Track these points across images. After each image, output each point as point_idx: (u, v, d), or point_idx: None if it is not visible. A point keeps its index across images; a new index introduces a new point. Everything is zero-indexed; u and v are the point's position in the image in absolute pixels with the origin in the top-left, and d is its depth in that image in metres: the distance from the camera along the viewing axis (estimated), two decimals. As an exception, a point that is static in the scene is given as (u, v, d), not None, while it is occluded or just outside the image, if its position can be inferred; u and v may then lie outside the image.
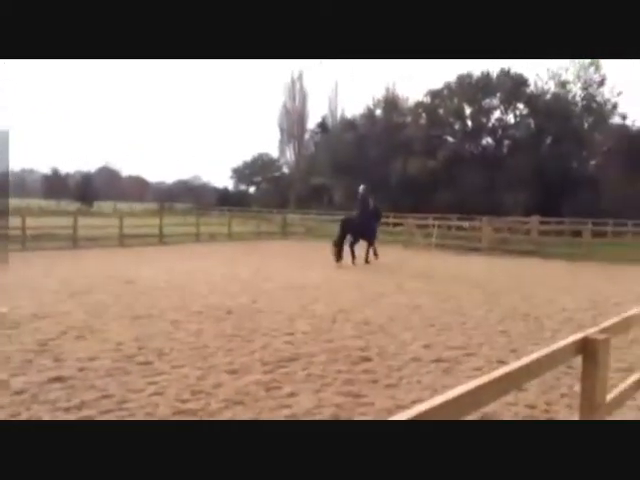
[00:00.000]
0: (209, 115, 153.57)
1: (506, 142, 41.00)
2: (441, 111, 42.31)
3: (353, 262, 14.47)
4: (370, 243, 15.08)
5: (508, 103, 40.09)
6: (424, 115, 42.73)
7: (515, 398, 4.64)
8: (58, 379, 4.85)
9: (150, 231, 21.47)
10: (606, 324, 2.35)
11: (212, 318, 7.58)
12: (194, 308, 8.23)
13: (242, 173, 64.32)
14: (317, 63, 54.58)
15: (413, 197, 36.71)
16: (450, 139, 41.91)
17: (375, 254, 15.11)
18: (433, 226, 23.82)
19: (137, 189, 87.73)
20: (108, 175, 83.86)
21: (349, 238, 14.64)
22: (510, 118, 40.94)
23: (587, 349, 2.05)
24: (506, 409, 4.42)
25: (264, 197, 56.05)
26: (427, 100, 42.82)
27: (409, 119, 44.04)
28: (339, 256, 14.30)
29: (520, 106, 40.07)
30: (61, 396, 4.45)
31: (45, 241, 18.24)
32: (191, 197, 69.35)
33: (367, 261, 14.88)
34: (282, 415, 4.19)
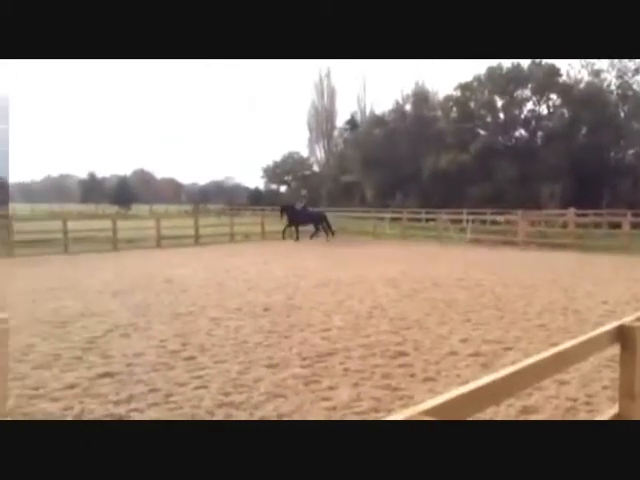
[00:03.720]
0: (239, 115, 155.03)
1: (540, 133, 40.16)
2: (472, 104, 41.75)
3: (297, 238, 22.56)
4: (316, 228, 23.35)
5: (540, 94, 39.28)
6: (455, 108, 42.24)
7: (557, 392, 4.64)
8: (107, 374, 5.07)
9: (186, 232, 21.90)
10: (645, 313, 2.37)
11: (250, 315, 7.75)
12: (232, 305, 8.42)
13: (273, 172, 64.79)
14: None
15: (445, 191, 36.39)
16: (482, 132, 41.30)
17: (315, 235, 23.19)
18: (467, 221, 23.58)
19: (171, 191, 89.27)
20: (143, 178, 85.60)
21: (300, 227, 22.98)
22: (543, 109, 40.11)
23: (624, 337, 2.07)
24: (547, 402, 4.43)
25: (295, 196, 56.32)
26: (457, 93, 42.29)
27: (439, 113, 43.62)
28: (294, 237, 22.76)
29: (553, 96, 39.19)
30: (111, 390, 4.66)
31: (86, 244, 18.83)
32: (224, 197, 70.30)
33: (311, 238, 22.88)
34: (323, 407, 4.29)
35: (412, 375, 5.11)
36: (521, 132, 41.05)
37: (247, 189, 72.36)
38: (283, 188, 65.62)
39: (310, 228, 23.37)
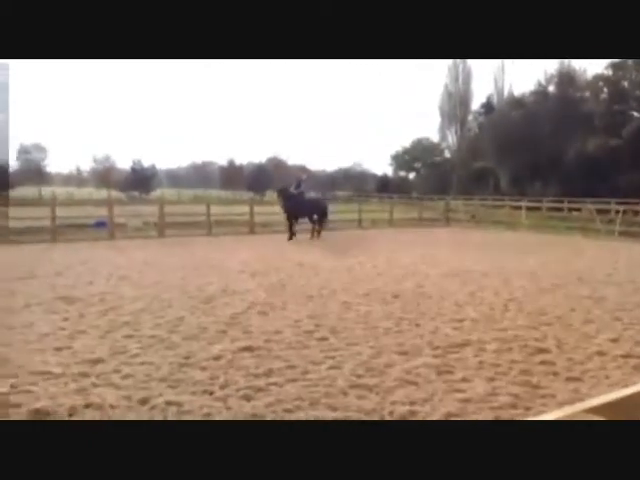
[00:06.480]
0: (368, 101, 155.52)
1: None
2: (625, 84, 37.79)
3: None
4: (313, 221, 17.86)
5: None
6: (605, 89, 38.54)
7: None
8: (248, 349, 5.41)
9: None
10: None
11: (379, 301, 7.78)
12: (361, 291, 8.52)
13: (401, 159, 64.16)
14: None
15: (591, 179, 33.44)
16: (636, 114, 37.25)
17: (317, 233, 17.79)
18: (617, 212, 21.49)
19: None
20: (276, 165, 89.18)
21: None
22: None
23: None
24: None
25: (424, 183, 55.32)
26: (608, 72, 38.52)
27: (587, 94, 40.06)
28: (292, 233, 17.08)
29: None
30: (252, 363, 4.96)
31: (226, 226, 20.16)
32: (351, 184, 71.04)
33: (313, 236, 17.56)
34: (456, 398, 4.20)
35: (554, 373, 4.80)
36: (685, 113, 36.37)
37: (375, 176, 72.40)
38: (412, 175, 64.78)
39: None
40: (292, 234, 16.92)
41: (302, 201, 17.46)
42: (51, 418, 3.80)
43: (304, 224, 17.86)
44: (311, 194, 20.22)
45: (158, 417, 3.85)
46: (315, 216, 17.70)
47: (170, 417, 3.84)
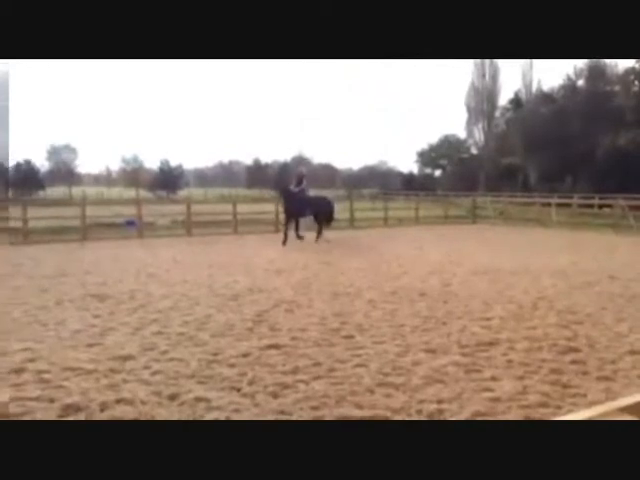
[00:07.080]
0: (393, 99, 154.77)
1: None
2: (660, 75, 36.70)
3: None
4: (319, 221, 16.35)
5: None
6: (637, 82, 37.50)
7: None
8: (275, 346, 5.44)
9: (342, 216, 22.46)
10: None
11: (406, 299, 7.74)
12: (388, 289, 8.48)
13: (427, 156, 63.60)
14: None
15: (623, 175, 32.60)
16: (671, 107, 36.13)
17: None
18: (650, 207, 20.93)
19: (327, 176, 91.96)
20: (301, 163, 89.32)
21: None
22: None
23: None
24: None
25: (450, 180, 54.73)
26: (641, 65, 37.46)
27: (618, 88, 39.05)
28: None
29: None
30: (278, 361, 5.00)
31: (251, 225, 20.28)
32: (377, 182, 70.82)
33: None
34: (484, 397, 4.15)
35: (585, 373, 4.71)
36: None
37: (400, 173, 72.00)
38: (438, 172, 64.16)
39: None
40: (286, 237, 15.28)
41: (303, 199, 15.80)
42: (83, 413, 3.89)
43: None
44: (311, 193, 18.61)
45: (187, 412, 3.90)
46: (320, 216, 16.18)
47: (199, 413, 3.89)
